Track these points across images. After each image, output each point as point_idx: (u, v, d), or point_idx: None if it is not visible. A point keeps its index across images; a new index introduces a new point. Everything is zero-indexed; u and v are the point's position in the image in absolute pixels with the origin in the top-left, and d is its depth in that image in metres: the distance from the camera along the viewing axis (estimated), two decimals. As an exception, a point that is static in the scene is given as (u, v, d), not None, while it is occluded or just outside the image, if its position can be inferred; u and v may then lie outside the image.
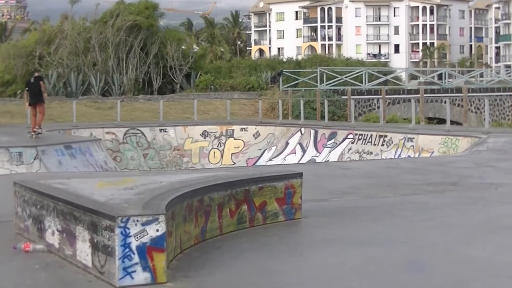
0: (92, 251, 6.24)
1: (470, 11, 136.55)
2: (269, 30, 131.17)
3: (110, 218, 5.94)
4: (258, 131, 35.69)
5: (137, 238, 5.87)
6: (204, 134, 35.48)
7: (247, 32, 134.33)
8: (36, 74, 27.54)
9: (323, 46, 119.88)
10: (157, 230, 5.92)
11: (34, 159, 21.44)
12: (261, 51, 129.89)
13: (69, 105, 39.73)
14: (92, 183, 8.58)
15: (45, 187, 7.82)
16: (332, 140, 31.67)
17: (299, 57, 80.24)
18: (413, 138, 27.27)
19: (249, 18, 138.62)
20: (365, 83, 51.55)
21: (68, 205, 6.77)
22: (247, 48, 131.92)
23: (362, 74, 52.31)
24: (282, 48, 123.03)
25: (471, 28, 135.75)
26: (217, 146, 35.42)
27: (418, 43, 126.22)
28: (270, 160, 33.56)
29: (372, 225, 8.79)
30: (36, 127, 25.52)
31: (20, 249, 7.36)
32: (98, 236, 6.11)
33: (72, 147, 24.20)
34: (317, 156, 31.49)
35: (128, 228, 5.85)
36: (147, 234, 5.90)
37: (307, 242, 8.01)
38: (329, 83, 50.40)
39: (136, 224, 5.87)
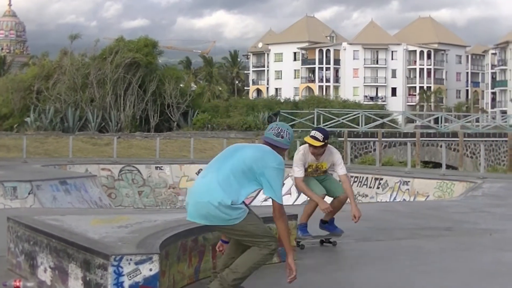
0: (84, 289, 6.19)
1: (467, 56, 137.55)
2: (267, 70, 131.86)
3: (104, 256, 5.90)
4: (254, 171, 35.65)
5: (130, 277, 5.83)
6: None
7: (245, 71, 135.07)
8: None
9: (320, 87, 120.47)
10: (151, 270, 5.88)
11: (29, 193, 21.39)
12: (258, 91, 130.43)
13: (65, 140, 39.75)
14: (86, 220, 8.54)
15: (39, 223, 7.78)
16: (328, 182, 31.64)
17: (297, 98, 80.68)
18: (409, 181, 27.24)
19: (248, 58, 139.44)
20: (361, 126, 51.69)
21: (61, 242, 6.73)
22: (245, 88, 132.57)
23: (359, 116, 52.49)
24: (280, 88, 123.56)
25: (467, 73, 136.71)
26: (213, 185, 35.36)
27: (415, 87, 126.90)
28: (265, 200, 33.46)
29: (367, 268, 8.75)
30: None
31: (10, 286, 7.29)
32: (91, 274, 6.06)
33: (67, 183, 24.15)
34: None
35: (122, 267, 5.81)
36: (141, 273, 5.86)
37: (301, 285, 7.96)
38: (326, 125, 50.48)
39: (129, 263, 5.83)
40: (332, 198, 10.36)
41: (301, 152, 10.10)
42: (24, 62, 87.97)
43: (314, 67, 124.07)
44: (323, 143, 9.78)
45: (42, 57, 65.95)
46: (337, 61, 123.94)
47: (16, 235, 8.12)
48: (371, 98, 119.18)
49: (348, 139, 43.16)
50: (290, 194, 32.86)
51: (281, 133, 7.01)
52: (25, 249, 7.77)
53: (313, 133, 9.91)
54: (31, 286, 7.30)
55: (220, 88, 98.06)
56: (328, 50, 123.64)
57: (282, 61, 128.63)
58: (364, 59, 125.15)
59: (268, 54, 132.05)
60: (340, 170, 10.05)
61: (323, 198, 10.05)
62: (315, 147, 9.82)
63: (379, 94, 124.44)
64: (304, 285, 7.91)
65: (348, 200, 10.01)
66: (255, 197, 34.32)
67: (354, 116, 52.78)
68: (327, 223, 10.48)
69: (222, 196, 6.22)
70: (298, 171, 10.05)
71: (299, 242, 9.97)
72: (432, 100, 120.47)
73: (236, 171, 6.41)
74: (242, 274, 6.42)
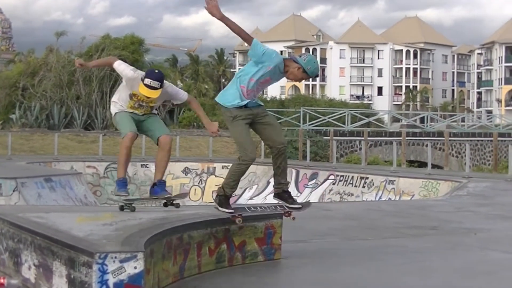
0: (68, 287, 6.17)
1: (453, 56, 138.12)
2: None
3: (88, 254, 5.88)
4: (239, 169, 35.64)
5: (115, 275, 5.81)
6: (186, 171, 35.43)
7: (232, 70, 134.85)
8: None
9: (307, 86, 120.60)
10: (135, 268, 5.86)
11: (13, 191, 21.30)
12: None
13: (51, 138, 39.64)
14: (71, 218, 8.51)
15: (23, 221, 7.74)
16: (314, 181, 31.69)
17: (283, 97, 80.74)
18: (394, 180, 27.33)
19: (234, 56, 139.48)
20: (347, 124, 51.79)
21: (46, 239, 6.70)
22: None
23: (345, 115, 52.59)
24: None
25: (453, 72, 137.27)
26: (198, 183, 35.38)
27: (401, 86, 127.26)
28: (251, 199, 33.51)
29: (352, 268, 8.76)
30: None
31: (-5, 283, 7.26)
32: (75, 272, 6.04)
33: (52, 180, 24.08)
34: (298, 196, 31.45)
35: (106, 265, 5.79)
36: (125, 271, 5.84)
37: (286, 284, 7.96)
38: (312, 124, 50.58)
39: (114, 261, 5.81)
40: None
41: (131, 70, 8.94)
42: (10, 59, 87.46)
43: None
44: (160, 89, 8.68)
45: (28, 54, 65.77)
46: (323, 60, 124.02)
47: (0, 232, 8.08)
48: (357, 97, 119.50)
49: (334, 138, 43.23)
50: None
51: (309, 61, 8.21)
52: (9, 247, 7.74)
53: (146, 81, 8.58)
54: (15, 283, 7.26)
55: (207, 86, 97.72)
56: (314, 49, 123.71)
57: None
58: (351, 58, 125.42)
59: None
60: (182, 96, 9.10)
61: (132, 137, 8.90)
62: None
63: (365, 93, 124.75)
64: (288, 284, 7.91)
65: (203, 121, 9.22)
66: (240, 196, 34.36)
67: (340, 115, 52.88)
68: (155, 185, 9.18)
69: None
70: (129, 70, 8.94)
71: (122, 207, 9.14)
72: (418, 99, 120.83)
73: None
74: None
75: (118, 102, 8.99)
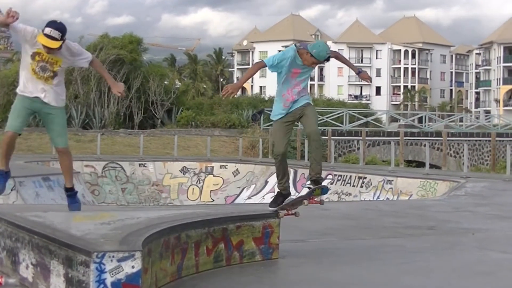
0: (66, 286, 6.16)
1: (451, 56, 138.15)
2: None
3: (86, 253, 5.87)
4: (237, 168, 35.66)
5: (113, 274, 5.80)
6: (184, 170, 35.40)
7: (230, 69, 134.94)
8: None
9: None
10: (133, 267, 5.86)
11: (11, 190, 21.26)
12: (243, 89, 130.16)
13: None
14: (69, 217, 8.51)
15: (21, 220, 7.73)
16: (312, 180, 31.66)
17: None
18: (392, 180, 27.33)
19: (232, 56, 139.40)
20: (345, 124, 51.80)
21: (43, 238, 6.70)
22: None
23: (343, 115, 52.59)
24: (264, 86, 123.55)
25: (452, 72, 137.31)
26: (196, 182, 35.35)
27: (399, 86, 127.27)
28: (249, 198, 33.51)
29: (349, 267, 8.75)
30: None
31: (-7, 282, 7.26)
32: (73, 271, 6.03)
33: (50, 179, 24.04)
34: (296, 196, 31.45)
35: (104, 264, 5.78)
36: (123, 270, 5.83)
37: (284, 283, 7.96)
38: (310, 123, 50.53)
39: (112, 260, 5.80)
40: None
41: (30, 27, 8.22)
42: (8, 58, 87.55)
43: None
44: (62, 41, 8.06)
45: (26, 53, 65.60)
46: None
47: (-2, 231, 8.08)
48: (356, 97, 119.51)
49: (332, 137, 43.26)
50: (274, 192, 32.87)
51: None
52: (7, 246, 7.73)
53: (47, 31, 7.96)
54: (13, 282, 7.26)
55: (205, 86, 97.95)
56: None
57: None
58: (349, 57, 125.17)
59: (253, 52, 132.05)
60: (87, 56, 8.49)
61: (12, 137, 8.43)
62: (51, 49, 8.07)
63: (364, 93, 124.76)
64: (286, 283, 7.91)
65: None
66: (238, 195, 34.35)
67: (338, 115, 52.89)
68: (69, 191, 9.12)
69: None
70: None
71: None
72: (416, 99, 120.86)
73: None
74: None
75: (21, 80, 8.43)
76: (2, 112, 51.79)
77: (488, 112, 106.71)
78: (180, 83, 77.88)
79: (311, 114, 9.10)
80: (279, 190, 9.19)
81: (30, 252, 7.00)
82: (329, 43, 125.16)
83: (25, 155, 36.13)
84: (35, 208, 10.95)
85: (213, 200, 34.23)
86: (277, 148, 9.13)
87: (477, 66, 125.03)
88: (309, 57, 8.87)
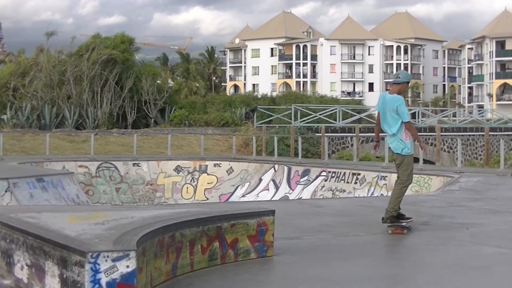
0: (61, 287, 6.17)
1: (444, 51, 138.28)
2: (244, 66, 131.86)
3: (80, 253, 5.87)
4: (231, 167, 35.65)
5: (107, 274, 5.81)
6: (178, 169, 35.38)
7: (223, 68, 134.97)
8: None
9: (298, 83, 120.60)
10: (128, 266, 5.86)
11: (5, 191, 21.23)
12: (236, 87, 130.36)
13: (42, 138, 39.56)
14: (63, 217, 8.50)
15: (15, 221, 7.73)
16: (306, 177, 31.68)
17: (274, 94, 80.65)
18: (386, 176, 27.35)
19: (225, 54, 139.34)
20: (339, 121, 51.82)
21: (38, 239, 6.70)
22: (222, 84, 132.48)
23: (336, 111, 52.61)
24: (257, 84, 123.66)
25: (444, 68, 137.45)
26: (190, 181, 35.33)
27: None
28: (243, 196, 33.49)
29: (344, 264, 8.77)
30: None
31: (-12, 283, 7.25)
32: (67, 271, 6.04)
33: (44, 180, 24.01)
34: (290, 193, 31.48)
35: (98, 264, 5.79)
36: (117, 270, 5.84)
37: (279, 280, 7.97)
38: (303, 120, 50.60)
39: (106, 260, 5.81)
40: None
41: None
42: (1, 60, 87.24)
43: (291, 63, 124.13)
44: None
45: (18, 55, 65.43)
46: (314, 57, 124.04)
47: (-8, 233, 8.07)
48: (348, 94, 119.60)
49: (326, 134, 43.22)
50: (268, 189, 32.88)
51: (398, 75, 11.42)
52: (1, 247, 7.73)
53: None
54: (8, 284, 7.26)
55: (197, 85, 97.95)
56: (305, 46, 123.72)
57: (259, 57, 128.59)
58: (341, 54, 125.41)
59: (245, 50, 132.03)
60: None
61: None
62: None
63: (356, 89, 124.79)
64: (281, 281, 7.92)
65: None
66: (232, 194, 34.35)
67: (332, 112, 52.90)
68: None
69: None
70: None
71: None
72: (409, 95, 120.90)
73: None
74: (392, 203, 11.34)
75: None
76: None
77: (481, 106, 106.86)
78: (172, 82, 77.82)
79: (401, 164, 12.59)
80: (400, 213, 11.38)
81: (24, 253, 7.00)
82: (322, 40, 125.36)
83: (18, 156, 36.07)
84: (29, 209, 10.93)
85: (208, 199, 34.21)
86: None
87: (469, 61, 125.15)
88: (399, 86, 11.44)
